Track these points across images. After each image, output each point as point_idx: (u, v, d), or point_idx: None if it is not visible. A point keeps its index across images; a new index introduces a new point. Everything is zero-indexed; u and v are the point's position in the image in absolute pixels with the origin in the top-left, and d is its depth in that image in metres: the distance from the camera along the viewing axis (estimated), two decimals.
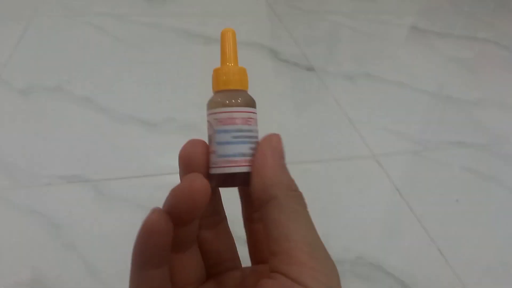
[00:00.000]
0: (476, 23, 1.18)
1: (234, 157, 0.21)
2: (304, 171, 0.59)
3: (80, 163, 0.58)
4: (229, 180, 0.21)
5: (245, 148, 0.21)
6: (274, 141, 0.21)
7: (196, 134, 0.71)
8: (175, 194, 0.21)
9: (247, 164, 0.21)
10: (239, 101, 0.21)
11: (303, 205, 0.20)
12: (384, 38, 1.03)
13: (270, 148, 0.21)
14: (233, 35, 0.23)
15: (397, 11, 1.20)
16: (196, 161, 0.22)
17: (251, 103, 0.22)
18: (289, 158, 0.22)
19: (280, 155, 0.21)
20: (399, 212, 0.56)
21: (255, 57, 0.87)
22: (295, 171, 0.22)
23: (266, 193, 0.20)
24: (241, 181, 0.21)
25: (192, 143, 0.22)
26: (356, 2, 1.21)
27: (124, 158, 0.60)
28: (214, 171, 0.21)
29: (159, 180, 0.57)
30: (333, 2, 1.20)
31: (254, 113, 0.22)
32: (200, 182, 0.20)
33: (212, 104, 0.22)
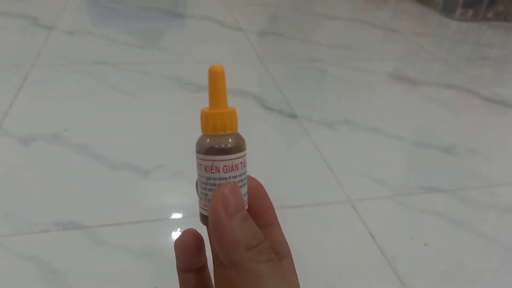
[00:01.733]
0: (452, 70, 1.25)
1: (202, 200, 0.22)
2: (282, 216, 0.64)
3: (76, 209, 0.62)
4: (203, 220, 0.23)
5: (203, 193, 0.22)
6: (225, 193, 0.20)
7: (185, 180, 0.75)
8: (175, 245, 0.25)
9: (205, 208, 0.22)
10: (222, 147, 0.21)
11: (266, 260, 0.20)
12: (364, 85, 1.09)
13: (221, 203, 0.20)
14: (222, 72, 0.22)
15: (377, 59, 1.27)
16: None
17: (236, 149, 0.22)
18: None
19: (234, 208, 0.20)
20: (371, 256, 0.60)
21: (242, 104, 0.93)
22: None
23: (225, 257, 0.20)
24: (204, 223, 0.23)
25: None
26: (338, 51, 1.29)
27: (117, 204, 0.64)
28: (199, 209, 0.23)
29: (150, 225, 0.61)
30: (318, 51, 1.28)
31: (240, 158, 0.22)
32: (190, 237, 0.24)
33: (198, 147, 0.22)
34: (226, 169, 0.21)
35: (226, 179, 0.21)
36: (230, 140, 0.22)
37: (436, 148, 0.86)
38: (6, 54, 1.05)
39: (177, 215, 0.62)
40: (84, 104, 0.88)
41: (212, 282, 0.26)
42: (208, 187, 0.22)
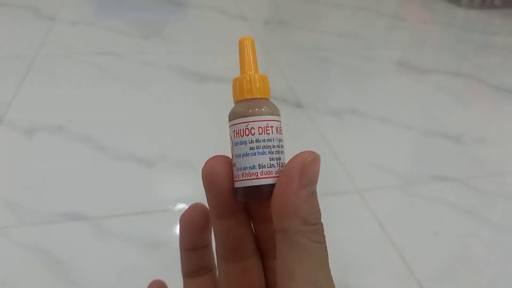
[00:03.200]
0: (459, 58, 1.23)
1: (252, 169, 0.20)
2: None
3: (80, 200, 0.62)
4: (247, 194, 0.20)
5: (265, 159, 0.20)
6: (307, 160, 0.19)
7: (190, 170, 0.75)
8: (181, 221, 0.23)
9: (267, 176, 0.20)
10: (256, 110, 0.20)
11: (318, 241, 0.19)
12: (370, 73, 1.08)
13: (300, 170, 0.19)
14: (252, 43, 0.22)
15: (384, 48, 1.26)
16: (218, 177, 0.20)
17: (269, 111, 0.21)
18: None
19: (309, 179, 0.19)
20: (381, 246, 0.59)
21: None
22: None
23: (279, 222, 0.19)
24: (259, 195, 0.20)
25: (215, 159, 0.21)
26: (344, 39, 1.27)
27: (122, 195, 0.63)
28: (236, 184, 0.21)
29: (154, 216, 0.60)
30: (323, 39, 1.26)
31: (275, 121, 0.21)
32: (198, 213, 0.22)
33: (230, 116, 0.21)
34: (278, 130, 0.20)
35: (279, 141, 0.20)
36: (264, 102, 0.21)
37: (444, 137, 0.85)
38: (9, 45, 1.05)
39: (181, 206, 0.61)
40: (87, 95, 0.87)
41: (215, 262, 0.24)
42: (264, 150, 0.20)
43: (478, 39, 1.40)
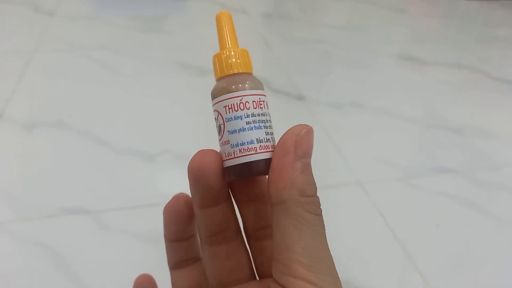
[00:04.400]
0: (461, 51, 1.23)
1: (251, 144, 0.19)
2: None
3: (81, 194, 0.62)
4: (246, 170, 0.19)
5: (261, 133, 0.20)
6: (302, 133, 0.19)
7: None
8: (164, 212, 0.22)
9: (265, 150, 0.20)
10: (246, 84, 0.20)
11: (315, 213, 0.19)
12: (371, 66, 1.07)
13: (294, 142, 0.19)
14: (229, 17, 0.21)
15: (385, 40, 1.25)
16: (207, 173, 0.20)
17: (259, 86, 0.20)
18: None
19: (304, 151, 0.19)
20: (383, 238, 0.59)
21: None
22: None
23: (276, 194, 0.19)
24: (260, 170, 0.20)
25: (202, 153, 0.20)
26: (345, 32, 1.26)
27: (122, 189, 0.63)
28: (229, 163, 0.20)
29: (155, 210, 0.60)
30: (324, 32, 1.26)
31: (264, 95, 0.20)
32: (182, 203, 0.21)
33: (218, 92, 0.20)
34: (268, 105, 0.20)
35: (270, 116, 0.20)
36: (248, 77, 0.20)
37: (446, 129, 0.84)
38: (8, 41, 1.04)
39: None
40: (87, 89, 0.87)
41: (201, 252, 0.23)
42: (259, 124, 0.20)
43: (479, 31, 1.39)
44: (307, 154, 0.19)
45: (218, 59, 0.21)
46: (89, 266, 0.52)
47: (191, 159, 0.20)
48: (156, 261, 0.53)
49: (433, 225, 0.62)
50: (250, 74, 0.21)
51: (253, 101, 0.20)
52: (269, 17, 1.36)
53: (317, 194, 0.19)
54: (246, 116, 0.19)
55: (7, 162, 0.67)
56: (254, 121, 0.20)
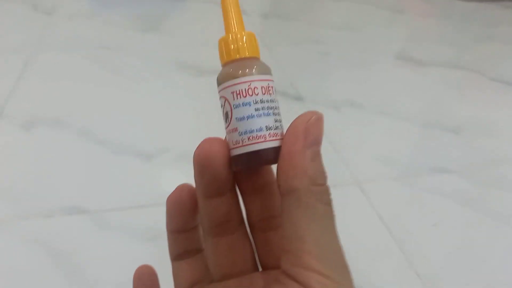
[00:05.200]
0: (459, 51, 1.23)
1: (260, 131, 0.19)
2: None
3: (80, 194, 0.62)
4: (255, 159, 0.19)
5: (270, 121, 0.19)
6: (311, 120, 0.19)
7: (190, 163, 0.75)
8: (167, 202, 0.22)
9: (274, 138, 0.19)
10: (254, 69, 0.19)
11: (326, 203, 0.19)
12: (370, 66, 1.08)
13: (304, 129, 0.18)
14: (235, 0, 0.21)
15: (383, 40, 1.25)
16: (214, 163, 0.19)
17: (268, 71, 0.20)
18: None
19: (314, 139, 0.19)
20: (380, 238, 0.60)
21: None
22: None
23: (287, 183, 0.18)
24: (269, 158, 0.19)
25: (209, 141, 0.20)
26: (343, 32, 1.27)
27: (121, 188, 0.63)
28: (237, 151, 0.19)
29: (153, 209, 0.60)
30: (322, 33, 1.26)
31: (272, 81, 0.20)
32: (185, 194, 0.21)
33: (224, 77, 0.19)
34: (264, 90, 0.19)
35: (278, 102, 0.19)
36: (255, 61, 0.20)
37: (444, 129, 0.85)
38: (7, 40, 1.04)
39: None
40: (86, 88, 0.87)
41: (203, 244, 0.23)
42: (269, 111, 0.19)
43: (477, 31, 1.40)
44: (318, 141, 0.19)
45: (224, 43, 0.20)
46: (88, 265, 0.52)
47: (198, 146, 0.19)
48: (155, 260, 0.53)
49: (430, 224, 0.62)
50: (257, 58, 0.20)
51: (261, 87, 0.19)
52: (267, 18, 1.36)
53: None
54: (255, 102, 0.19)
55: (5, 161, 0.67)
56: (263, 108, 0.19)
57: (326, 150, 0.69)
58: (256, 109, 0.19)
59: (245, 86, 0.19)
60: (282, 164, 0.18)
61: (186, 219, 0.22)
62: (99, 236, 0.56)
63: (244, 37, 0.20)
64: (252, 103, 0.19)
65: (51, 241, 0.54)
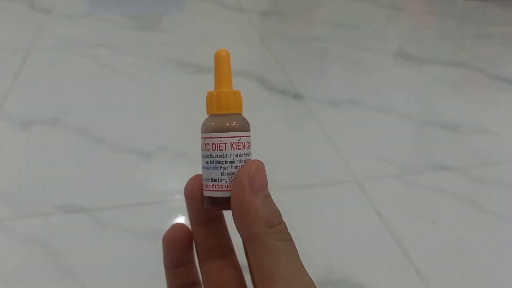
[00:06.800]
0: (458, 49, 1.23)
1: (207, 181, 0.22)
2: (288, 196, 0.63)
3: (78, 192, 0.62)
4: (210, 203, 0.22)
5: (216, 174, 0.21)
6: (252, 170, 0.20)
7: (188, 162, 0.74)
8: (163, 241, 0.24)
9: (218, 189, 0.21)
10: (212, 125, 0.22)
11: (285, 239, 0.20)
12: (369, 64, 1.07)
13: (247, 179, 0.20)
14: (227, 57, 0.23)
15: (382, 38, 1.25)
16: (199, 197, 0.23)
17: (244, 127, 0.22)
18: (273, 184, 0.22)
19: (260, 186, 0.20)
20: (379, 235, 0.59)
21: (244, 85, 0.91)
22: (278, 196, 0.23)
23: (246, 231, 0.20)
24: (218, 205, 0.22)
25: (195, 179, 0.23)
26: (342, 30, 1.26)
27: (120, 187, 0.63)
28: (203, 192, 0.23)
29: (152, 208, 0.60)
30: (321, 30, 1.26)
31: (233, 137, 0.22)
32: (179, 233, 0.23)
33: (201, 128, 0.23)
34: (234, 146, 0.21)
35: (233, 157, 0.21)
36: (235, 118, 0.22)
37: (443, 127, 0.85)
38: (4, 38, 1.04)
39: (180, 197, 0.61)
40: (84, 87, 0.87)
41: (199, 277, 0.25)
42: (216, 165, 0.21)
43: (476, 29, 1.40)
44: (263, 186, 0.20)
45: (209, 97, 0.23)
46: (86, 263, 0.52)
47: (186, 183, 0.23)
48: (154, 259, 0.53)
49: (429, 221, 0.62)
50: (235, 114, 0.22)
51: (213, 144, 0.22)
52: (266, 15, 1.35)
53: (283, 220, 0.20)
54: (205, 156, 0.22)
55: (3, 160, 0.67)
56: (210, 162, 0.22)
57: (326, 148, 0.69)
58: (206, 162, 0.22)
59: (202, 141, 0.22)
60: (237, 215, 0.20)
61: (180, 255, 0.24)
62: (97, 235, 0.56)
63: (223, 95, 0.22)
64: (204, 156, 0.22)
65: (49, 239, 0.54)
